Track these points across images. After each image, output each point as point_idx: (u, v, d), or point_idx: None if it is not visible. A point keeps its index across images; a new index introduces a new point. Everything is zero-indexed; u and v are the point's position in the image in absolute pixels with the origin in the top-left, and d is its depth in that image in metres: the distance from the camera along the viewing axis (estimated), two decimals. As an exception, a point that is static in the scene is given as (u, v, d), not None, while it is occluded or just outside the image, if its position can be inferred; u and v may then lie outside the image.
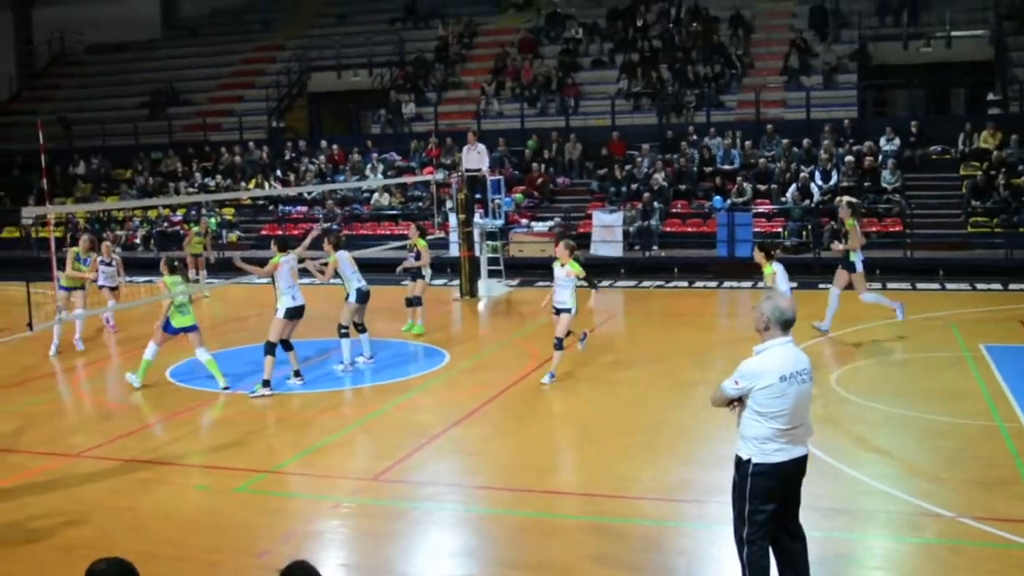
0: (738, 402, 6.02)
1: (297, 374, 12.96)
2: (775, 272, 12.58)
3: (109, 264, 16.39)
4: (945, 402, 11.34)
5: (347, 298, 13.80)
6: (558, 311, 12.67)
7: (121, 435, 11.03)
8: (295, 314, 12.75)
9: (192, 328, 12.86)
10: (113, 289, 16.53)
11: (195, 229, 21.89)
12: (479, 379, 13.28)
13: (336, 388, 13.11)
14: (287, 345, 12.85)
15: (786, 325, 5.96)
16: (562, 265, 12.63)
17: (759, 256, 12.86)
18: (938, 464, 9.38)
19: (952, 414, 10.83)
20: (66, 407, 12.71)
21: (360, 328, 13.98)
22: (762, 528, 5.98)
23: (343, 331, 13.72)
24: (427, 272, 16.17)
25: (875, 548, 7.65)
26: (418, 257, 15.72)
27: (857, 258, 15.03)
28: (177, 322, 12.75)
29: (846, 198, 16.92)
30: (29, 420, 11.80)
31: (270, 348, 12.57)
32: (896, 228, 23.05)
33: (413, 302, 16.06)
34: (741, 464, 6.01)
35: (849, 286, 15.13)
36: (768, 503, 5.94)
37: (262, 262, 13.51)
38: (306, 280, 13.79)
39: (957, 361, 13.39)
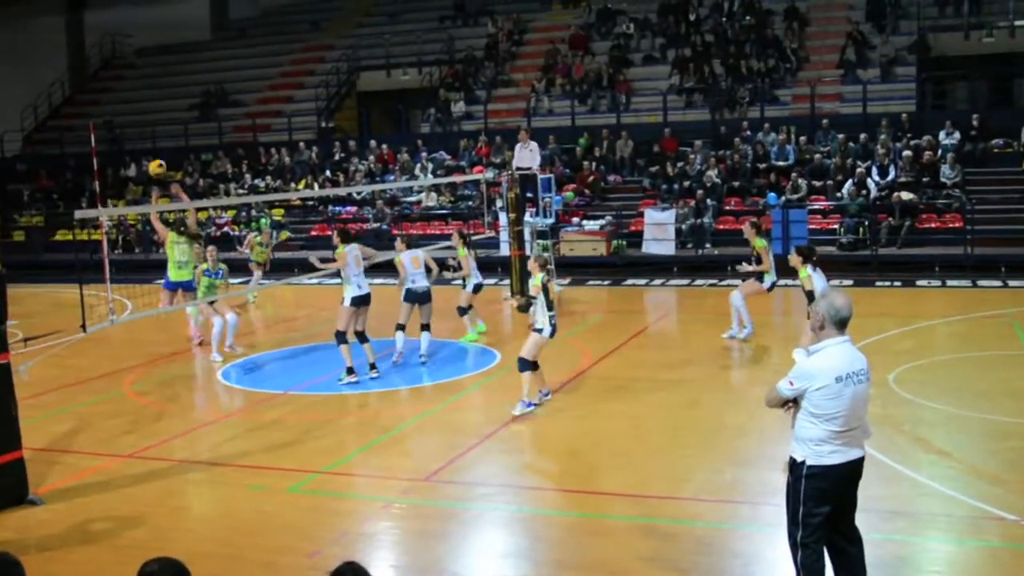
0: (793, 403, 5.99)
1: (372, 367, 13.29)
2: (810, 275, 12.11)
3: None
4: (1007, 402, 11.17)
5: (342, 301, 13.20)
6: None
7: (174, 436, 11.21)
8: (361, 302, 13.08)
9: (188, 285, 14.92)
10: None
11: (258, 239, 21.75)
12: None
13: (389, 388, 13.20)
14: (362, 337, 13.13)
15: (842, 324, 5.89)
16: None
17: (795, 260, 12.40)
18: (1000, 466, 9.25)
19: (1015, 414, 10.66)
20: (121, 408, 12.92)
21: (363, 337, 13.26)
22: (817, 531, 5.93)
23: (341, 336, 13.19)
24: (469, 282, 15.65)
25: (935, 552, 7.56)
26: (459, 268, 15.80)
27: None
28: (174, 276, 15.05)
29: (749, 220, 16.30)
30: (84, 421, 12.03)
31: (341, 337, 12.95)
32: (956, 224, 22.69)
33: (460, 311, 15.82)
34: (795, 466, 5.97)
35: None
36: (823, 506, 5.90)
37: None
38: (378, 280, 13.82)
39: (1020, 360, 13.18)
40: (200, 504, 9.02)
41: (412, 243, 14.97)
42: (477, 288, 15.74)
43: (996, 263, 20.96)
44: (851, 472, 5.95)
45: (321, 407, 12.27)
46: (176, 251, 15.53)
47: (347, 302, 12.99)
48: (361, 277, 13.11)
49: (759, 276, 14.82)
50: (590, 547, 7.74)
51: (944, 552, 7.54)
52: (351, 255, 13.06)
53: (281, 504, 8.95)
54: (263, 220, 26.28)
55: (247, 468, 10.00)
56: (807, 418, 5.90)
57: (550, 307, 11.27)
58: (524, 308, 12.84)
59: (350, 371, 13.00)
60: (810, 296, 11.83)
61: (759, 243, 14.79)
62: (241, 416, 12.05)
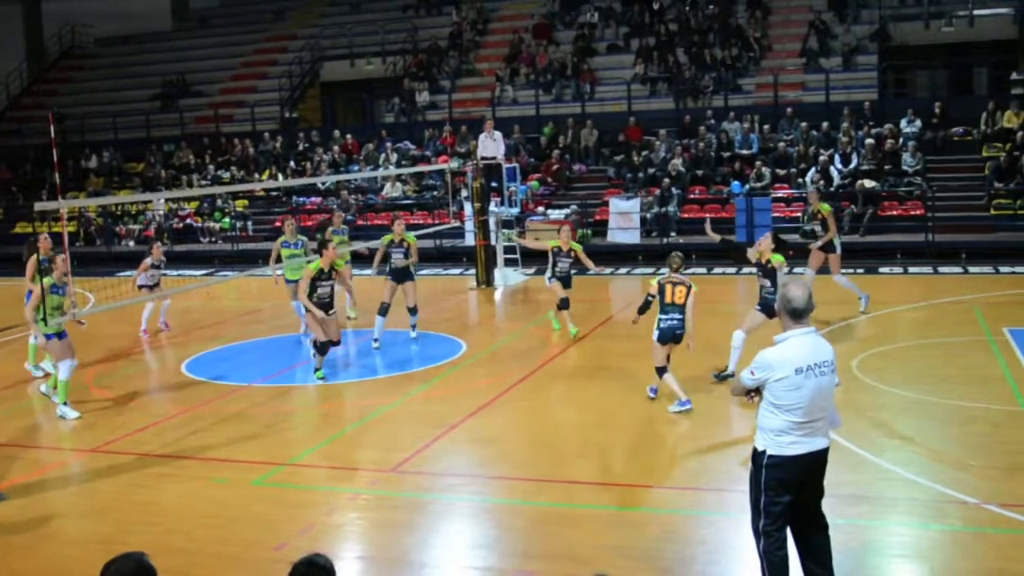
0: (757, 392, 6.01)
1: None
2: (784, 261, 11.79)
3: (158, 267, 16.41)
4: (969, 387, 11.29)
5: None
6: None
7: (137, 430, 11.09)
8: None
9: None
10: (153, 288, 16.31)
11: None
12: (496, 369, 13.30)
13: (353, 379, 13.15)
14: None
15: (795, 314, 5.89)
16: None
17: (766, 244, 11.86)
18: (963, 450, 9.34)
19: (976, 399, 10.78)
20: (84, 402, 12.77)
21: (384, 308, 14.39)
22: (778, 520, 5.96)
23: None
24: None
25: (899, 536, 7.62)
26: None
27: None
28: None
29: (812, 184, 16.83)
30: (46, 416, 11.89)
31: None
32: (918, 211, 22.92)
33: (563, 304, 14.95)
34: (757, 455, 6.01)
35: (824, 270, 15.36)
36: (783, 495, 5.93)
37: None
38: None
39: (981, 345, 13.33)
40: (164, 498, 8.93)
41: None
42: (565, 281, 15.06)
43: (957, 250, 21.22)
44: (813, 463, 5.97)
45: (286, 399, 12.20)
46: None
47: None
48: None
49: (827, 245, 15.11)
50: (557, 536, 7.75)
51: (908, 536, 7.61)
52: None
53: (246, 497, 8.89)
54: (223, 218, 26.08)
55: (211, 461, 9.92)
56: (768, 408, 5.93)
57: (664, 310, 10.92)
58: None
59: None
60: (771, 276, 11.65)
61: (824, 207, 14.93)
62: (205, 409, 11.94)
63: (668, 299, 10.92)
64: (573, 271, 15.08)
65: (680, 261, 11.19)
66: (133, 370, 14.24)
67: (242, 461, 9.83)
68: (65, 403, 11.61)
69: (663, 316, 10.90)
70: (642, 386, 11.96)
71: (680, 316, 10.82)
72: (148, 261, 16.18)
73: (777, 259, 11.73)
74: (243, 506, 8.66)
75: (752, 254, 12.03)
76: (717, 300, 17.04)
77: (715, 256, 22.18)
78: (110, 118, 33.14)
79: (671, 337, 10.87)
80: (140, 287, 16.28)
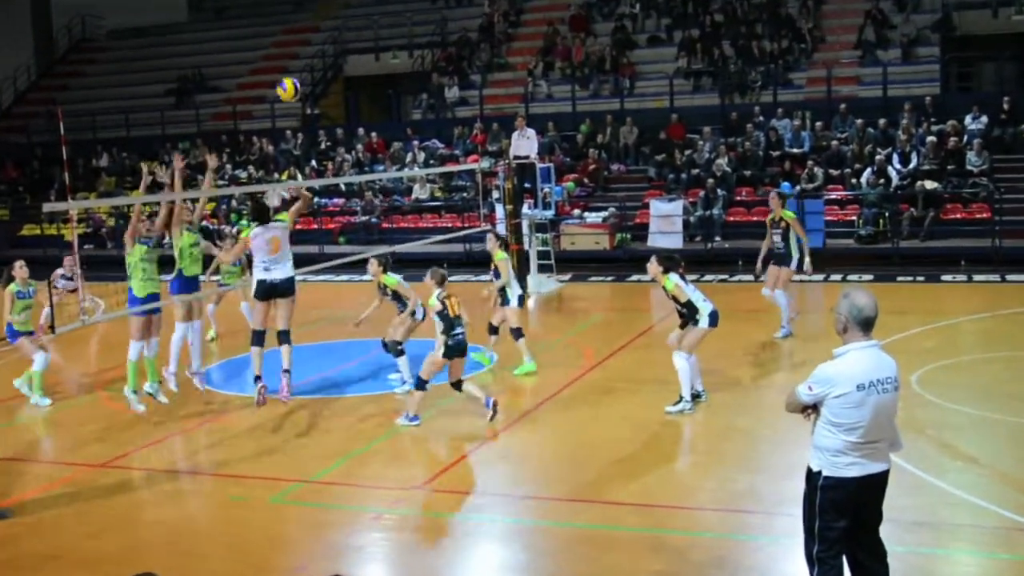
0: (812, 409, 5.96)
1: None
2: (677, 284, 11.44)
3: (70, 278, 16.48)
4: (1039, 404, 11.17)
5: (413, 315, 12.80)
6: None
7: (149, 443, 11.17)
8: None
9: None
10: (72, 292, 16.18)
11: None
12: (529, 381, 13.29)
13: (378, 392, 13.17)
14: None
15: (866, 324, 5.81)
16: None
17: (654, 269, 11.62)
18: (1032, 472, 9.25)
19: (1047, 418, 10.67)
20: (93, 415, 12.89)
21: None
22: (834, 546, 5.90)
23: (400, 348, 12.91)
24: (512, 294, 13.74)
25: (963, 565, 7.55)
26: (497, 276, 13.81)
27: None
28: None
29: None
30: (53, 429, 12.00)
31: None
32: (983, 215, 22.69)
33: (515, 335, 13.77)
34: (811, 475, 5.96)
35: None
36: (840, 519, 5.87)
37: None
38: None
39: (1052, 360, 13.19)
40: (177, 516, 8.99)
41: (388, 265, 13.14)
42: (521, 300, 14.17)
43: (1026, 256, 20.97)
44: (872, 486, 5.91)
45: (305, 412, 12.23)
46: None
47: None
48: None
49: (781, 257, 14.87)
50: (594, 561, 7.73)
51: (973, 566, 7.53)
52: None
53: (264, 516, 8.93)
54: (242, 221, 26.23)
55: (227, 477, 9.97)
56: (825, 427, 5.86)
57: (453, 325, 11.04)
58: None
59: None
60: (688, 307, 11.35)
61: (788, 214, 14.70)
62: (221, 422, 12.01)
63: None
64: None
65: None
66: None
67: (259, 477, 9.87)
68: (39, 393, 12.87)
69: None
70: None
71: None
72: (59, 272, 16.54)
73: (668, 284, 11.46)
74: (260, 526, 8.70)
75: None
76: (764, 309, 16.95)
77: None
78: (122, 114, 33.44)
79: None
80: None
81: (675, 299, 11.50)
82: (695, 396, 11.49)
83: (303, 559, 7.87)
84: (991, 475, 9.19)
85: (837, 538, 5.89)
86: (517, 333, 13.69)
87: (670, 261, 11.63)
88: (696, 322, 11.38)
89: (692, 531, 8.22)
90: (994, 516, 8.17)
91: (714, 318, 11.33)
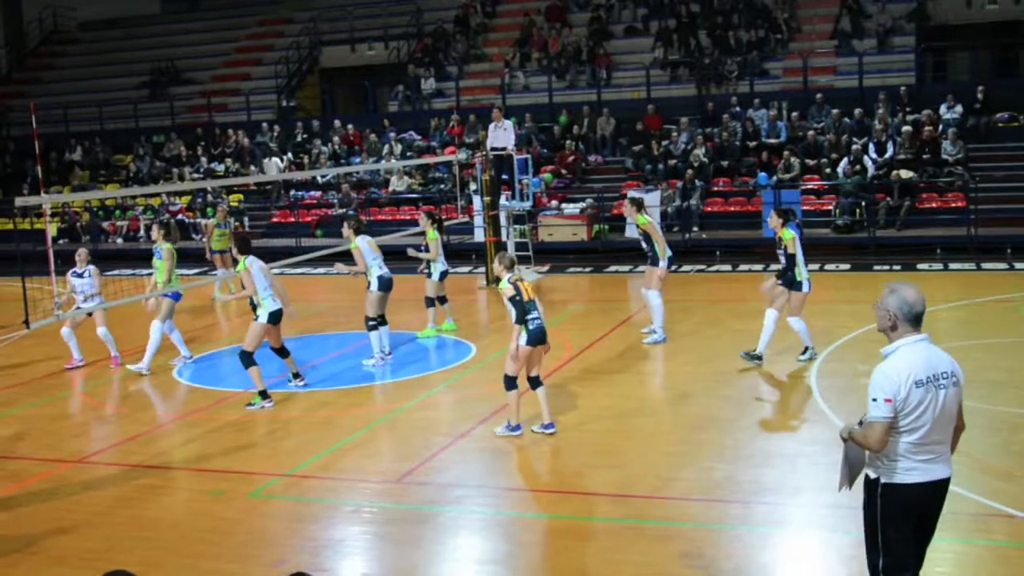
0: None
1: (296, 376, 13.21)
2: (794, 237, 12.55)
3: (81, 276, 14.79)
4: (1015, 392, 11.26)
5: (368, 287, 13.83)
6: None
7: (126, 439, 11.14)
8: (384, 287, 13.78)
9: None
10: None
11: (214, 221, 21.16)
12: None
13: (355, 385, 13.16)
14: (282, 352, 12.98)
15: (916, 320, 5.49)
16: None
17: (775, 221, 12.81)
18: (1009, 460, 9.32)
19: (1023, 405, 10.74)
20: (69, 410, 12.83)
21: (381, 321, 13.98)
22: (903, 558, 5.55)
23: (371, 323, 13.73)
24: (436, 268, 15.37)
25: (941, 551, 7.57)
26: (426, 250, 15.32)
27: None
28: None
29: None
30: (29, 424, 11.93)
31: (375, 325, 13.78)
32: (959, 203, 22.84)
33: (428, 303, 15.63)
34: (869, 483, 5.63)
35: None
36: (905, 527, 5.54)
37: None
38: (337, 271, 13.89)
39: (1027, 347, 13.28)
40: (155, 511, 8.96)
41: (363, 229, 14.17)
42: (443, 275, 15.47)
43: (1001, 244, 21.09)
44: (933, 494, 5.58)
45: (284, 406, 12.21)
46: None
47: (373, 286, 13.73)
48: (380, 260, 13.82)
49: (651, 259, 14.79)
50: (573, 551, 7.75)
51: (950, 552, 7.57)
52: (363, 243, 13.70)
53: (242, 510, 8.91)
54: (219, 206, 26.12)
55: (205, 472, 9.95)
56: None
57: (528, 310, 10.25)
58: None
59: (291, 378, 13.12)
60: (790, 261, 12.50)
61: (642, 219, 14.46)
62: (199, 417, 11.98)
63: None
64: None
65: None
66: (122, 375, 14.26)
67: (238, 472, 9.85)
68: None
69: None
70: (662, 391, 11.99)
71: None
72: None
73: (787, 236, 12.54)
74: (239, 520, 8.68)
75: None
76: (742, 299, 17.03)
77: (740, 253, 22.16)
78: (96, 107, 33.22)
79: None
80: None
81: (786, 248, 12.54)
82: (805, 351, 12.92)
83: (282, 553, 7.85)
84: (969, 462, 9.23)
85: (904, 549, 5.56)
86: (429, 302, 15.55)
87: (789, 213, 13.01)
88: (799, 286, 12.60)
89: (671, 521, 8.25)
90: (970, 502, 8.22)
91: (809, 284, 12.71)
